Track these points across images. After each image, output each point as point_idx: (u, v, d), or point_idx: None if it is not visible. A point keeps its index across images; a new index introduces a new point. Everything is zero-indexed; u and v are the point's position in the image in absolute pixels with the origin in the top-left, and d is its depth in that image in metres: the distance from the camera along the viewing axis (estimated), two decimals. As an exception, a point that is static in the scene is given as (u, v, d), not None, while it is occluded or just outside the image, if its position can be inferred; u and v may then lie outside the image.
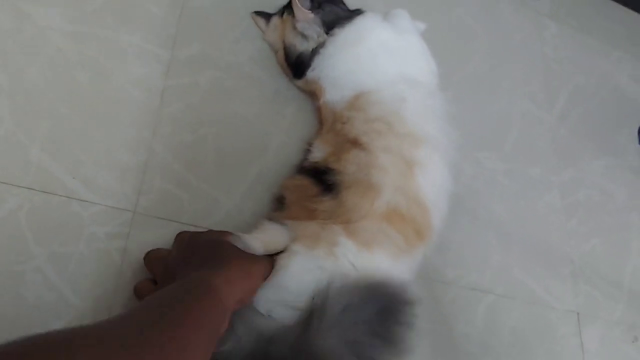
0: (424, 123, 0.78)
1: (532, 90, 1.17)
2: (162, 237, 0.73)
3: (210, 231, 0.69)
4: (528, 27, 1.24)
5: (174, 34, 0.86)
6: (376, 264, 0.69)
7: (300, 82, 0.88)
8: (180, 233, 0.69)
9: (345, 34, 0.83)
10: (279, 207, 0.77)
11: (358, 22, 0.84)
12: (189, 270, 0.58)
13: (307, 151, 0.81)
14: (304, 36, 0.85)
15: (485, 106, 1.10)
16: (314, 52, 0.84)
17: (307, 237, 0.68)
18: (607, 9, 1.40)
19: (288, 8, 0.87)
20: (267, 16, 0.91)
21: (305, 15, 0.83)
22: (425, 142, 0.77)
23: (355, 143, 0.76)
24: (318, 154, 0.79)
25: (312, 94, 0.87)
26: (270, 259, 0.67)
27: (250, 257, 0.64)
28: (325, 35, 0.83)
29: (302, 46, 0.85)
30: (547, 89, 1.20)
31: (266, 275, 0.65)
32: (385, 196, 0.71)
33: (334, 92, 0.82)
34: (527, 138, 1.11)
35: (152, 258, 0.68)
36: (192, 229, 0.74)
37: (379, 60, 0.83)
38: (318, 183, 0.74)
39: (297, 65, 0.86)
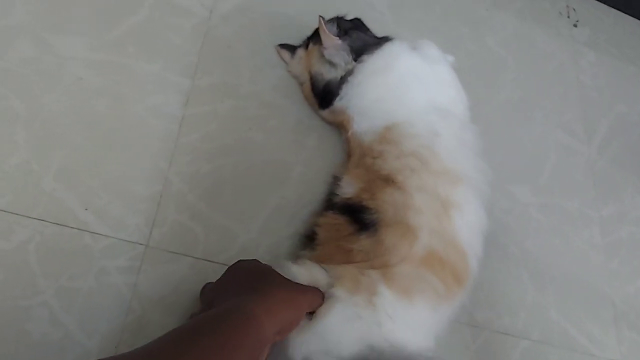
0: (459, 159, 0.74)
1: (567, 120, 1.12)
2: (174, 272, 0.70)
3: (255, 260, 0.65)
4: (563, 56, 1.19)
5: (195, 63, 0.85)
6: (415, 314, 0.64)
7: (326, 113, 0.85)
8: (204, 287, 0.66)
9: (374, 61, 0.80)
10: (309, 245, 0.73)
11: (387, 49, 0.81)
12: (228, 297, 0.55)
13: (335, 185, 0.77)
14: (331, 64, 0.82)
15: (518, 137, 1.05)
16: (342, 80, 0.80)
17: (348, 281, 0.63)
18: (649, 36, 1.34)
19: (314, 38, 0.85)
20: (291, 48, 0.89)
21: (332, 41, 0.80)
22: (461, 181, 0.72)
23: (388, 181, 0.71)
24: (349, 190, 0.74)
25: (340, 125, 0.84)
26: (319, 291, 0.62)
27: (296, 286, 0.60)
28: (353, 63, 0.80)
29: (330, 74, 0.82)
30: (584, 119, 1.14)
31: (314, 307, 0.61)
32: (423, 239, 0.67)
33: (363, 122, 0.78)
34: (563, 171, 1.05)
35: (207, 291, 0.65)
36: (205, 263, 0.72)
37: (410, 88, 0.79)
38: (353, 221, 0.70)
39: (324, 95, 0.83)
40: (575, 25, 1.24)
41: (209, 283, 0.66)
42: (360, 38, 0.83)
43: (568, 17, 1.25)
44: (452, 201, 0.70)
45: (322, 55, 0.82)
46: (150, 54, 0.82)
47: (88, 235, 0.69)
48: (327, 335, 0.61)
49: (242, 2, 0.92)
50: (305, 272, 0.64)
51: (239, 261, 0.63)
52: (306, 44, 0.87)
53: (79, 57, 0.78)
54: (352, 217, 0.70)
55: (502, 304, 0.87)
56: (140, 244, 0.70)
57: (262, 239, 0.77)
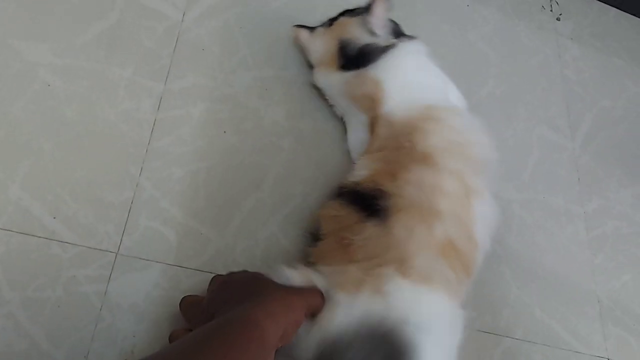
0: (482, 148, 0.74)
1: (551, 115, 1.10)
2: (145, 279, 0.69)
3: (245, 270, 0.64)
4: (547, 50, 1.18)
5: (168, 66, 0.84)
6: (435, 303, 0.61)
7: (349, 76, 0.80)
8: (215, 277, 0.65)
9: (415, 44, 0.82)
10: (313, 243, 0.70)
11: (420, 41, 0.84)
12: (227, 308, 0.53)
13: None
14: (372, 33, 0.81)
15: (500, 133, 1.04)
16: (384, 49, 0.79)
17: (349, 285, 0.60)
18: (635, 28, 1.32)
19: (347, 14, 0.85)
20: (309, 29, 0.89)
21: (383, 13, 0.81)
22: (482, 170, 0.72)
23: (422, 159, 0.68)
24: (362, 172, 0.71)
25: (362, 99, 0.79)
26: (317, 291, 0.60)
27: (291, 289, 0.59)
28: (394, 40, 0.81)
29: (370, 40, 0.80)
30: (568, 114, 1.12)
31: (314, 308, 0.59)
32: (444, 225, 0.64)
33: (400, 98, 0.75)
34: (547, 166, 1.04)
35: (188, 303, 0.64)
36: (178, 270, 0.70)
37: (439, 77, 0.83)
38: (360, 209, 0.66)
39: (358, 57, 0.79)
40: (558, 19, 1.23)
41: (188, 296, 0.65)
42: (398, 28, 0.86)
43: (551, 10, 1.24)
44: (475, 189, 0.69)
45: (364, 25, 0.81)
46: (121, 58, 0.81)
47: (56, 244, 0.68)
48: (336, 340, 0.57)
49: (216, 4, 0.91)
50: (299, 278, 0.62)
51: (229, 274, 0.63)
52: (329, 23, 0.86)
53: (46, 63, 0.77)
54: (360, 205, 0.67)
55: (484, 302, 0.86)
56: (111, 252, 0.69)
57: (236, 243, 0.76)
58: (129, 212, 0.72)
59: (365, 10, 0.82)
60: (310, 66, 0.89)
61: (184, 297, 0.65)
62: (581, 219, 1.01)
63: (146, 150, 0.77)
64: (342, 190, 0.72)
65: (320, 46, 0.86)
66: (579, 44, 1.23)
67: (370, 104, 0.77)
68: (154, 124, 0.79)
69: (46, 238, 0.67)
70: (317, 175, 0.85)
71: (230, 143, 0.82)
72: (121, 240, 0.70)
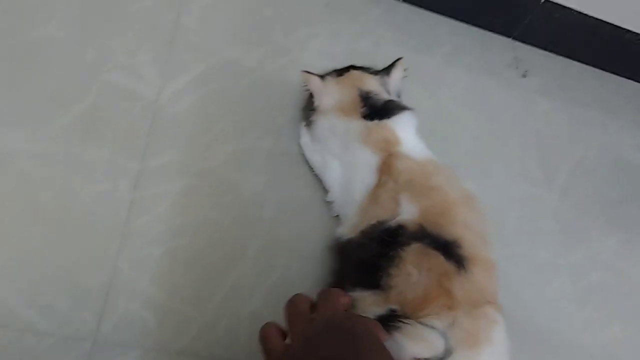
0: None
1: (528, 168, 1.12)
2: (124, 366, 0.67)
3: (355, 315, 0.54)
4: (517, 106, 1.21)
5: (144, 145, 0.84)
6: None
7: (370, 124, 0.83)
8: (294, 300, 0.55)
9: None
10: (366, 282, 0.68)
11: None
12: None
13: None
14: (388, 92, 0.90)
15: (479, 190, 1.04)
16: (403, 107, 0.87)
17: (468, 338, 0.61)
18: (599, 79, 1.37)
19: (355, 68, 0.92)
20: (318, 76, 0.91)
21: (400, 78, 0.93)
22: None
23: (466, 202, 0.75)
24: (410, 210, 0.72)
25: (383, 142, 0.81)
26: None
27: None
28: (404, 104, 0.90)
29: (387, 97, 0.89)
30: (544, 166, 1.14)
31: None
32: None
33: (411, 148, 0.82)
34: (528, 220, 1.05)
35: (295, 311, 0.54)
36: (156, 354, 0.68)
37: None
38: (444, 254, 0.67)
39: (381, 109, 0.85)
40: (524, 76, 1.27)
41: (297, 296, 0.56)
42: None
43: (517, 68, 1.28)
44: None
45: (382, 83, 0.90)
46: (97, 140, 0.82)
47: (31, 335, 0.65)
48: None
49: (190, 81, 0.93)
50: (416, 342, 0.59)
51: (332, 316, 0.52)
52: (338, 73, 0.91)
53: (21, 150, 0.77)
54: (442, 250, 0.67)
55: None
56: (87, 340, 0.67)
57: (219, 321, 0.74)
58: (106, 296, 0.70)
59: (385, 71, 0.92)
60: (309, 110, 0.90)
61: (295, 296, 0.56)
62: (566, 271, 1.01)
63: (123, 232, 0.76)
64: (401, 232, 0.70)
65: (334, 94, 0.88)
66: (547, 98, 1.26)
67: (387, 145, 0.81)
68: (130, 204, 0.78)
69: (20, 329, 0.65)
70: (300, 245, 0.84)
71: (210, 217, 0.82)
72: (98, 327, 0.68)
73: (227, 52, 0.99)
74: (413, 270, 0.66)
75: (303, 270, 0.81)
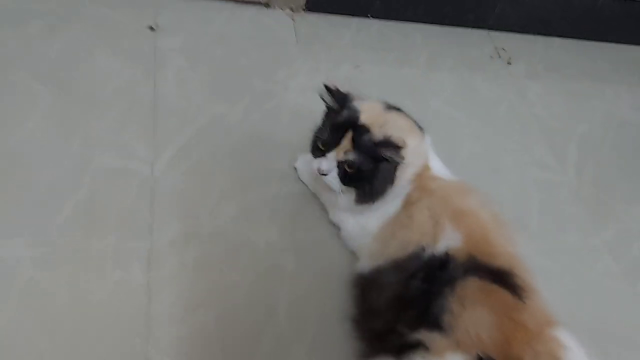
0: None
1: (537, 155, 1.09)
2: None
3: None
4: (509, 95, 1.19)
5: (150, 222, 0.81)
6: None
7: None
8: None
9: None
10: (428, 324, 0.64)
11: None
12: None
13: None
14: None
15: (494, 188, 1.02)
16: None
17: None
18: (583, 50, 1.36)
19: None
20: None
21: None
22: None
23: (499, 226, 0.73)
24: (454, 239, 0.69)
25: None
26: None
27: None
28: None
29: None
30: (553, 149, 1.11)
31: None
32: None
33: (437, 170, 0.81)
34: (550, 207, 1.01)
35: None
36: None
37: None
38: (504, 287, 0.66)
39: None
40: (509, 63, 1.26)
41: None
42: None
43: (500, 57, 1.26)
44: None
45: None
46: (100, 229, 0.79)
47: None
48: None
49: (182, 146, 0.91)
50: None
51: None
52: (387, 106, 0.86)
53: (26, 257, 0.74)
54: (500, 283, 0.66)
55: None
56: None
57: (267, 388, 0.70)
58: (144, 391, 0.66)
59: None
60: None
61: None
62: (604, 250, 0.97)
63: (147, 317, 0.72)
64: (461, 264, 0.67)
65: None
66: (537, 80, 1.24)
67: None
68: (148, 287, 0.75)
69: None
70: (330, 285, 0.80)
71: (231, 280, 0.78)
72: (143, 423, 0.64)
73: (212, 109, 0.97)
74: (481, 309, 0.63)
75: (340, 310, 0.77)
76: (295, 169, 0.92)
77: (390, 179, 0.75)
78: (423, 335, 0.63)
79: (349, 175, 0.75)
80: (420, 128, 0.81)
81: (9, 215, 0.77)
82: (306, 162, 0.89)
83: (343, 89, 0.79)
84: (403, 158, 0.73)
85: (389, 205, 0.77)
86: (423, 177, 0.77)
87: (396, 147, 0.72)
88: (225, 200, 0.86)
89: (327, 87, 0.77)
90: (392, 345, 0.66)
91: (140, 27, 1.06)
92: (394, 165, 0.74)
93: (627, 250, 0.97)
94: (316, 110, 0.84)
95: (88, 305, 0.71)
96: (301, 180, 0.91)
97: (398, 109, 0.82)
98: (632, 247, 0.98)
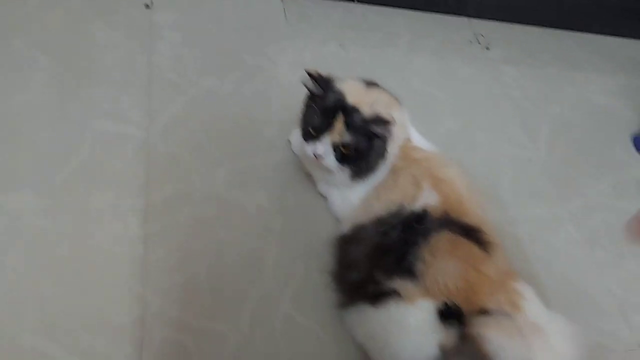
0: None
1: (511, 134, 1.17)
2: (174, 391, 0.68)
3: None
4: (486, 78, 1.26)
5: (146, 182, 0.86)
6: None
7: None
8: None
9: None
10: (401, 274, 0.71)
11: None
12: None
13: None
14: None
15: (469, 163, 1.08)
16: None
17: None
18: (557, 38, 1.43)
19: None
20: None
21: None
22: None
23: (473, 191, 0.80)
24: (432, 197, 0.76)
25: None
26: None
27: None
28: None
29: None
30: (526, 129, 1.19)
31: None
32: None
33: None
34: (521, 181, 1.08)
35: None
36: (203, 373, 0.70)
37: None
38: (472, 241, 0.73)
39: None
40: (487, 48, 1.32)
41: None
42: None
43: (479, 42, 1.33)
44: None
45: None
46: (100, 186, 0.84)
47: (78, 381, 0.67)
48: None
49: (176, 115, 0.96)
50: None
51: None
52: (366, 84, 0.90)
53: (31, 209, 0.79)
54: (468, 237, 0.72)
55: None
56: (134, 373, 0.69)
57: (254, 332, 0.76)
58: (142, 329, 0.72)
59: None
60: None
61: None
62: (567, 220, 1.04)
63: (144, 266, 0.78)
64: (436, 220, 0.74)
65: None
66: (513, 65, 1.31)
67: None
68: (145, 239, 0.80)
69: (67, 378, 0.67)
70: (314, 246, 0.86)
71: (223, 238, 0.84)
72: (141, 357, 0.70)
73: (204, 81, 1.02)
74: (450, 259, 0.70)
75: (323, 267, 0.83)
76: (290, 142, 0.97)
77: (382, 154, 0.80)
78: (397, 283, 0.70)
79: (345, 156, 0.78)
80: (398, 101, 0.87)
81: (15, 170, 0.82)
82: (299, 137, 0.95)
83: (324, 72, 0.81)
84: (392, 133, 0.78)
85: (377, 176, 0.82)
86: (406, 148, 0.83)
87: (386, 123, 0.77)
88: (216, 166, 0.92)
89: (309, 73, 0.79)
90: (369, 293, 0.72)
91: (137, 3, 1.10)
92: (384, 140, 0.79)
93: (588, 220, 1.05)
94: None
95: (89, 254, 0.77)
96: (294, 153, 0.96)
97: (376, 84, 0.86)
98: (593, 218, 1.06)
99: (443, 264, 0.70)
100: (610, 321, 0.93)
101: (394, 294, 0.70)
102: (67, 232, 0.78)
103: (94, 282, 0.75)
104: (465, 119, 1.15)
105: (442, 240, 0.72)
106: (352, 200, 0.85)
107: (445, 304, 0.67)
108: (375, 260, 0.74)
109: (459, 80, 1.23)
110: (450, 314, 0.66)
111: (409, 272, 0.70)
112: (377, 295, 0.71)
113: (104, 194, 0.83)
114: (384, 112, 0.78)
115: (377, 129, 0.77)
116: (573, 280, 0.96)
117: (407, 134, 0.86)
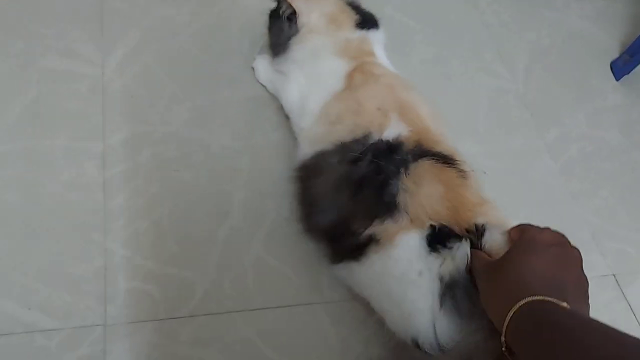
0: None
1: (487, 62, 1.12)
2: (141, 342, 0.66)
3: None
4: (460, 4, 1.20)
5: (101, 123, 0.81)
6: None
7: (360, 34, 0.85)
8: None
9: None
10: (381, 212, 0.67)
11: None
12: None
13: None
14: None
15: (444, 94, 1.04)
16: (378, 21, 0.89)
17: None
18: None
19: None
20: None
21: None
22: None
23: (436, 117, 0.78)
24: (399, 128, 0.72)
25: (360, 52, 0.83)
26: None
27: None
28: None
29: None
30: (502, 57, 1.14)
31: None
32: None
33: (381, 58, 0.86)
34: (498, 112, 1.05)
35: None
36: (171, 322, 0.67)
37: None
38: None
39: (369, 19, 0.87)
40: (462, -28, 1.25)
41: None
42: None
43: (453, -34, 1.26)
44: None
45: None
46: (51, 128, 0.78)
47: (39, 335, 0.64)
48: None
49: (131, 49, 0.89)
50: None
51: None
52: None
53: (-27, 156, 0.73)
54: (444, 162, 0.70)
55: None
56: (98, 325, 0.66)
57: (223, 276, 0.73)
58: (105, 280, 0.69)
59: None
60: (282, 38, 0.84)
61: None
62: (545, 151, 1.02)
63: (104, 213, 0.73)
64: (410, 150, 0.70)
65: (322, 7, 0.84)
66: (489, -11, 1.25)
67: (361, 55, 0.81)
68: (103, 185, 0.75)
69: (27, 332, 0.63)
70: (284, 185, 0.83)
71: (185, 180, 0.80)
72: (105, 310, 0.67)
73: (159, 11, 0.94)
74: (433, 184, 0.67)
75: (293, 207, 0.80)
76: (253, 69, 0.92)
77: (282, 29, 0.82)
78: (374, 228, 0.66)
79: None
80: (364, 16, 0.84)
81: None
82: (264, 63, 0.90)
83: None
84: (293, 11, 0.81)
85: (324, 79, 0.80)
86: (366, 62, 0.80)
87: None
88: (176, 103, 0.86)
89: None
90: (350, 248, 0.68)
91: None
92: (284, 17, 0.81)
93: (565, 151, 1.03)
94: (265, 13, 0.84)
95: (42, 201, 0.72)
96: (259, 82, 0.91)
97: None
98: (570, 148, 1.04)
99: (428, 189, 0.67)
100: (584, 250, 0.92)
101: (372, 242, 0.66)
102: (17, 179, 0.73)
103: (48, 231, 0.70)
104: (439, 48, 1.10)
105: (423, 167, 0.68)
106: (308, 108, 0.80)
107: (432, 226, 0.64)
108: (343, 195, 0.69)
109: (432, 7, 1.17)
110: (440, 237, 0.63)
111: (390, 207, 0.66)
112: (357, 248, 0.67)
113: (56, 138, 0.77)
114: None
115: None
116: (548, 210, 0.95)
117: (368, 47, 0.83)
